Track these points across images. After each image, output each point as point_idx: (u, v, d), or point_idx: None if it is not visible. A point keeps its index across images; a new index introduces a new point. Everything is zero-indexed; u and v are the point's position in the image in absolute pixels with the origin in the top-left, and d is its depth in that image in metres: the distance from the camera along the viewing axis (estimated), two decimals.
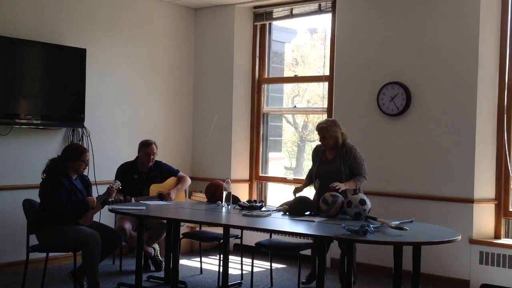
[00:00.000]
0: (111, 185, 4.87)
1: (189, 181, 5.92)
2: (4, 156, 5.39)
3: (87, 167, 4.88)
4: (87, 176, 5.01)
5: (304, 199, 4.83)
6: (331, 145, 4.91)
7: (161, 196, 5.57)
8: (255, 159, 6.99)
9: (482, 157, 5.29)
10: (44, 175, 4.65)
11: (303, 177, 6.97)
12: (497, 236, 5.34)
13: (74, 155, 4.68)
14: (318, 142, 5.14)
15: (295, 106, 7.20)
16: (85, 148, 4.86)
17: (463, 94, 5.32)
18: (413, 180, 5.55)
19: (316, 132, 5.03)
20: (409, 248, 4.08)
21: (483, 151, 5.30)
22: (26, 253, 4.61)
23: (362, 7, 5.94)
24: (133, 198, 5.33)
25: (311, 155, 5.17)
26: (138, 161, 5.68)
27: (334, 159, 4.93)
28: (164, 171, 5.76)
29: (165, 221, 5.20)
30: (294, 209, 4.66)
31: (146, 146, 5.63)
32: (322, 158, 5.02)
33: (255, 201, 5.09)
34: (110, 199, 4.92)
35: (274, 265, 5.52)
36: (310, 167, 5.22)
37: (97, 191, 5.45)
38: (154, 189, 5.59)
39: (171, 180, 5.75)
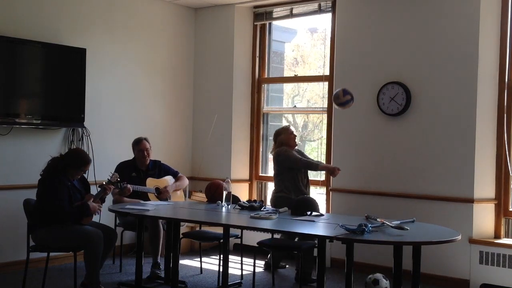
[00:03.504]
0: (109, 178, 4.88)
1: (186, 181, 5.93)
2: (4, 156, 5.39)
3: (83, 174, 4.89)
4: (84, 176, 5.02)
5: (307, 199, 4.86)
6: None
7: (157, 190, 5.58)
8: (255, 159, 6.99)
9: (482, 157, 5.29)
10: (42, 173, 4.63)
11: None
12: (497, 236, 5.34)
13: (78, 163, 4.68)
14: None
15: (295, 106, 7.20)
16: (90, 159, 4.81)
17: (463, 94, 5.32)
18: (413, 180, 5.55)
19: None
20: (409, 248, 4.08)
21: (483, 151, 5.30)
22: (27, 253, 4.61)
23: (362, 7, 5.94)
24: (129, 185, 5.33)
25: (293, 154, 5.46)
26: (136, 160, 5.69)
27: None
28: (162, 170, 5.78)
29: (160, 220, 5.24)
30: (297, 208, 4.68)
31: (138, 144, 5.67)
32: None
33: (255, 201, 5.09)
34: (107, 195, 4.92)
35: None
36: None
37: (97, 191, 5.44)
38: (151, 183, 5.60)
39: (168, 177, 5.76)
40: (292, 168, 5.42)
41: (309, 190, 5.68)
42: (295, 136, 5.59)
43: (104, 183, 4.93)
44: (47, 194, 4.53)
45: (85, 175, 5.44)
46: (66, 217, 4.54)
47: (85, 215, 4.60)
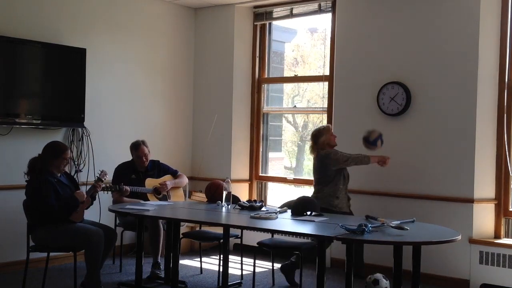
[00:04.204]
0: (98, 175, 4.88)
1: (186, 179, 5.92)
2: (4, 156, 5.39)
3: (68, 164, 4.88)
4: (70, 173, 5.04)
5: (307, 199, 4.85)
6: None
7: (156, 191, 5.57)
8: (255, 159, 6.99)
9: (482, 157, 5.29)
10: (28, 176, 4.61)
11: (303, 177, 7.01)
12: (497, 236, 5.34)
13: (56, 153, 4.65)
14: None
15: (295, 106, 7.20)
16: (66, 146, 4.83)
17: (463, 94, 5.32)
18: (413, 180, 5.55)
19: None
20: (409, 248, 4.08)
21: (483, 151, 5.30)
22: (26, 253, 4.61)
23: (362, 7, 5.94)
24: (125, 187, 5.32)
25: (341, 154, 5.24)
26: (135, 162, 5.68)
27: None
28: (162, 170, 5.77)
29: (161, 220, 5.24)
30: (297, 208, 4.68)
31: (136, 150, 5.63)
32: None
33: (255, 201, 5.09)
34: (97, 193, 4.92)
35: (275, 265, 5.51)
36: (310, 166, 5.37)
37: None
38: (150, 183, 5.60)
39: (167, 177, 5.75)
40: (339, 170, 5.22)
41: (347, 201, 5.36)
42: (335, 136, 5.40)
43: (95, 179, 4.93)
44: (35, 196, 4.52)
45: (85, 175, 5.47)
46: (58, 216, 4.53)
47: (75, 208, 4.57)
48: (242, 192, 6.75)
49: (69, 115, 5.76)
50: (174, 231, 4.97)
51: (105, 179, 4.91)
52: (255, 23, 6.96)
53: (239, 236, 5.25)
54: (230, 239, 4.80)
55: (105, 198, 5.53)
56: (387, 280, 4.62)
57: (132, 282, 5.07)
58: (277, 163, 7.48)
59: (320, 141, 5.32)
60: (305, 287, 5.14)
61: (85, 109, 5.82)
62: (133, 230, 5.24)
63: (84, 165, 5.87)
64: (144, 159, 5.62)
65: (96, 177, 4.93)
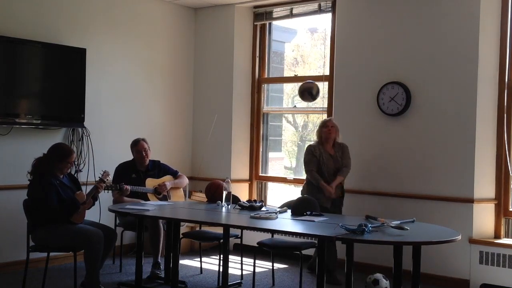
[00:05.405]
0: (100, 176, 4.87)
1: (186, 180, 5.92)
2: (4, 156, 5.39)
3: (71, 168, 4.88)
4: (73, 174, 5.02)
5: (307, 199, 4.86)
6: (333, 138, 5.48)
7: (157, 191, 5.57)
8: (255, 159, 6.99)
9: (482, 157, 5.29)
10: (31, 176, 4.61)
11: (303, 177, 7.00)
12: (497, 236, 5.34)
13: (61, 156, 4.64)
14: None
15: (295, 106, 7.20)
16: (72, 150, 4.82)
17: (463, 94, 5.33)
18: (413, 180, 5.55)
19: (316, 132, 5.61)
20: (409, 248, 4.08)
21: (483, 150, 5.30)
22: (26, 253, 4.61)
23: (362, 7, 5.94)
24: (126, 186, 5.32)
25: (308, 159, 5.46)
26: (135, 161, 5.69)
27: (334, 154, 5.46)
28: (162, 170, 5.77)
29: (161, 220, 5.24)
30: (297, 208, 4.68)
31: (135, 145, 5.65)
32: (323, 153, 5.43)
33: (255, 201, 5.09)
34: (99, 193, 4.92)
35: (275, 265, 5.52)
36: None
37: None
38: (150, 183, 5.60)
39: (167, 177, 5.75)
40: (318, 164, 5.41)
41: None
42: (328, 130, 5.43)
43: (97, 180, 4.93)
44: (36, 196, 4.52)
45: (85, 175, 5.45)
46: (58, 217, 4.53)
47: (76, 209, 4.57)
48: (242, 192, 6.75)
49: (69, 115, 5.76)
50: (174, 231, 4.97)
51: (107, 179, 4.92)
52: (255, 23, 6.96)
53: (239, 236, 5.25)
54: (230, 239, 4.80)
55: (105, 198, 5.53)
56: (387, 280, 4.62)
57: (132, 282, 5.07)
58: (277, 163, 7.49)
59: (316, 131, 5.58)
60: (305, 287, 5.14)
61: (85, 109, 5.82)
62: (133, 230, 5.24)
63: (84, 165, 5.87)
64: (144, 154, 5.61)
65: (98, 178, 4.93)
